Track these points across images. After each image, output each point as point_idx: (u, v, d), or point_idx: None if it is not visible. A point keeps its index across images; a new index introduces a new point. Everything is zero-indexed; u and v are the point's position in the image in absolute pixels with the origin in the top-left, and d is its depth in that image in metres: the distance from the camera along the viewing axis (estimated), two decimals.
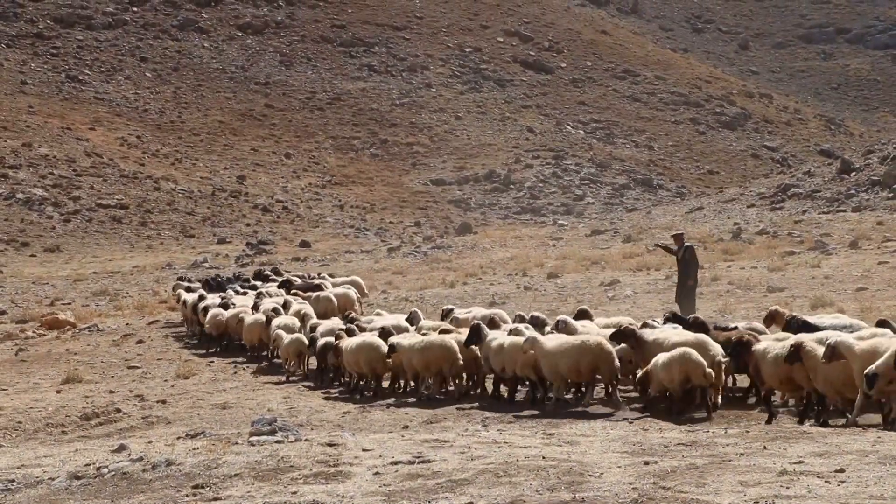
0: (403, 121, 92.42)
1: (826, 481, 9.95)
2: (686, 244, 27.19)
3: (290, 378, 22.57)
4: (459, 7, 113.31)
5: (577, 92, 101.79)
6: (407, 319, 22.99)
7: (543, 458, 11.57)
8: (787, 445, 11.90)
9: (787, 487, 9.79)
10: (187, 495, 10.83)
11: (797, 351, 15.15)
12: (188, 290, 31.69)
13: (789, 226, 48.12)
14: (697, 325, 18.10)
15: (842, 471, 10.30)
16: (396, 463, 11.49)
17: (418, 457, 11.76)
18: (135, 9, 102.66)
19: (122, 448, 13.88)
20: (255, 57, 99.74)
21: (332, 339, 21.44)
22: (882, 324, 17.09)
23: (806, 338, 15.63)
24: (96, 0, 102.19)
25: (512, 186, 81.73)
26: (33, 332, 31.82)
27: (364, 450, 12.37)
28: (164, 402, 20.13)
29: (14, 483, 12.13)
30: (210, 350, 27.40)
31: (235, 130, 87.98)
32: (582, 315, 20.71)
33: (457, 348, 19.21)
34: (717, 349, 16.49)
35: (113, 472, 12.07)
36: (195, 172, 78.68)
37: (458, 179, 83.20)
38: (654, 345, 17.29)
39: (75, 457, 13.85)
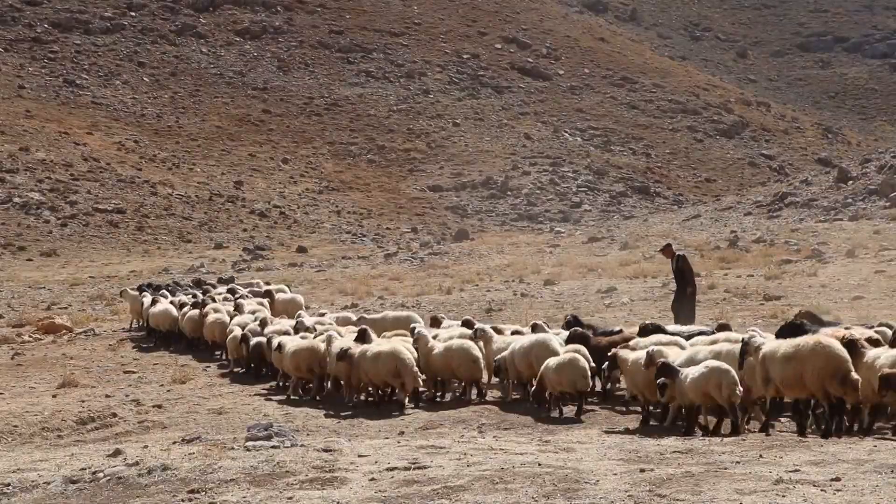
0: (401, 127, 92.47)
1: (822, 490, 9.95)
2: (678, 253, 27.10)
3: (284, 384, 22.54)
4: (457, 13, 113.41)
5: (575, 99, 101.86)
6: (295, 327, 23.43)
7: (539, 464, 11.57)
8: (783, 454, 11.91)
9: (783, 496, 9.79)
10: (183, 500, 10.83)
11: (614, 358, 16.71)
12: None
13: (786, 234, 48.17)
14: (580, 337, 18.75)
15: (838, 479, 10.30)
16: (392, 469, 11.50)
17: (414, 463, 11.77)
18: (133, 13, 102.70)
19: (117, 452, 13.88)
20: (252, 62, 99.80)
21: (263, 338, 22.71)
22: (722, 328, 18.77)
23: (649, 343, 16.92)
24: (94, 5, 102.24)
25: (509, 193, 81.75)
26: (29, 336, 31.77)
27: (360, 456, 12.37)
28: (160, 406, 20.11)
29: (10, 487, 12.12)
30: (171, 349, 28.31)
31: (233, 135, 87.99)
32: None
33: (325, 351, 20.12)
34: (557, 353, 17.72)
35: (108, 477, 12.06)
36: (192, 177, 78.67)
37: (455, 186, 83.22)
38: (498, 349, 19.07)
39: (71, 461, 13.84)
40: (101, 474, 12.22)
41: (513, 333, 20.54)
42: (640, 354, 16.27)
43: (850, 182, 57.62)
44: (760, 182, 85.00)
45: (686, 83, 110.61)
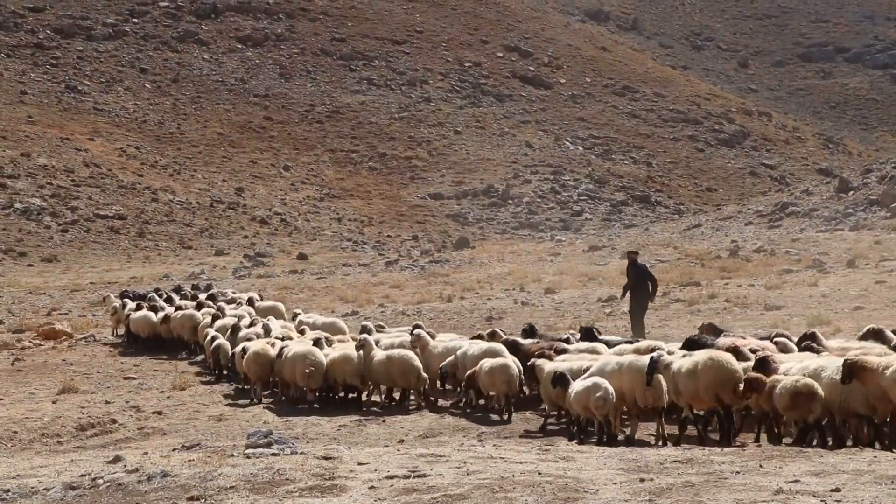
0: (402, 135, 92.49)
1: (822, 501, 9.95)
2: (638, 264, 27.83)
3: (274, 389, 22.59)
4: (459, 22, 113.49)
5: (576, 108, 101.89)
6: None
7: (539, 473, 11.57)
8: (782, 464, 11.90)
9: None
10: None
11: (532, 367, 17.74)
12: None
13: (787, 244, 48.16)
14: (510, 343, 19.94)
15: (837, 490, 10.30)
16: (392, 477, 11.49)
17: (414, 471, 11.76)
18: (135, 20, 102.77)
19: (117, 459, 13.87)
20: (254, 69, 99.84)
21: (224, 342, 23.85)
22: (586, 333, 20.42)
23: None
24: (97, 11, 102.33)
25: (510, 201, 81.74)
26: (30, 341, 31.79)
27: (360, 463, 12.37)
28: (159, 413, 20.12)
29: (9, 493, 12.12)
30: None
31: (234, 142, 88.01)
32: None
33: (272, 356, 21.13)
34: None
35: (108, 483, 12.06)
36: (193, 184, 78.70)
37: (456, 194, 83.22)
38: (438, 354, 20.23)
39: (71, 467, 13.84)
40: (100, 481, 12.21)
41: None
42: (556, 365, 17.18)
43: (851, 192, 57.64)
44: (761, 192, 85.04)
45: (687, 92, 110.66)
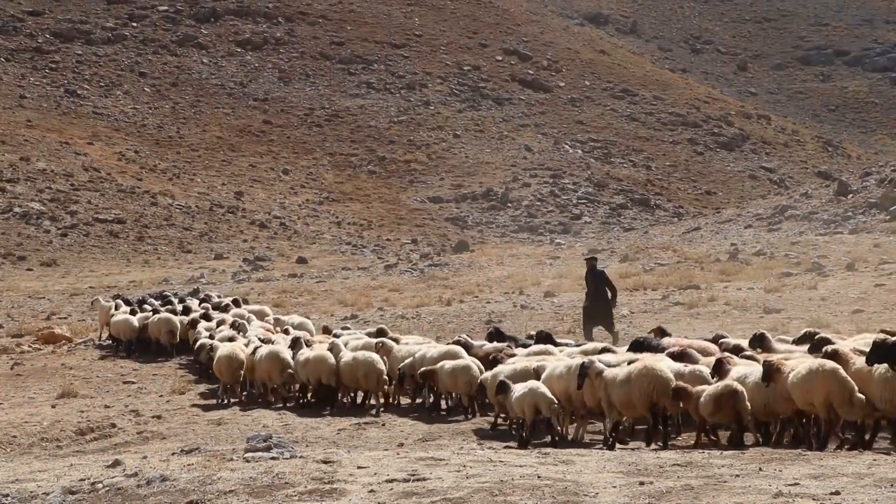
0: (401, 138, 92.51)
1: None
2: (595, 268, 28.44)
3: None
4: (458, 25, 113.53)
5: (576, 111, 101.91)
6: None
7: (539, 477, 11.56)
8: (782, 467, 11.89)
9: None
10: None
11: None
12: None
13: (786, 247, 48.13)
14: (462, 344, 20.71)
15: (837, 493, 10.29)
16: (391, 481, 11.48)
17: (413, 475, 11.75)
18: (134, 24, 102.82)
19: (116, 463, 13.87)
20: (253, 73, 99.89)
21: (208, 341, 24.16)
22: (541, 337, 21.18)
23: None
24: (96, 15, 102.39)
25: (509, 205, 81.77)
26: (29, 346, 31.75)
27: (359, 467, 12.36)
28: (159, 417, 20.12)
29: (8, 498, 12.11)
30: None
31: (233, 146, 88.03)
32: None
33: (243, 358, 21.68)
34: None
35: (107, 488, 12.05)
36: (193, 188, 78.71)
37: (455, 197, 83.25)
38: (401, 358, 20.55)
39: (70, 471, 13.84)
40: (100, 485, 12.20)
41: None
42: (500, 369, 17.63)
43: (851, 195, 57.63)
44: (760, 195, 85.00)
45: (686, 96, 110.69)
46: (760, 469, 11.79)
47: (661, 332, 20.60)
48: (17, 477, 13.64)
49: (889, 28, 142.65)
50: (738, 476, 11.39)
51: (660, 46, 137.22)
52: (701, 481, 11.12)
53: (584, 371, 15.66)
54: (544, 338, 20.89)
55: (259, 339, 22.89)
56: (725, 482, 11.07)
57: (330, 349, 20.79)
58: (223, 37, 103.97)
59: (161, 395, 22.99)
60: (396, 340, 21.86)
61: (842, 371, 13.80)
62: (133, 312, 30.36)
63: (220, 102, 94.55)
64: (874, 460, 12.42)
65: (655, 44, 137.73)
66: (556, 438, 16.12)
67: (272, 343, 22.43)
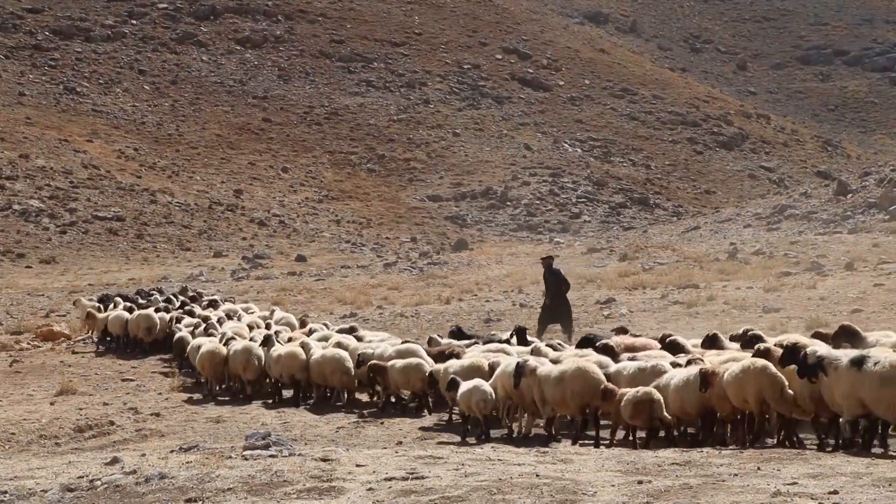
0: (401, 136, 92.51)
1: (820, 503, 9.94)
2: (551, 267, 28.97)
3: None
4: (458, 24, 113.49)
5: (575, 110, 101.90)
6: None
7: (537, 475, 11.56)
8: (780, 466, 11.90)
9: None
10: None
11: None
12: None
13: (785, 246, 48.15)
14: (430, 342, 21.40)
15: (835, 492, 10.29)
16: (390, 479, 11.48)
17: (412, 473, 11.75)
18: (134, 21, 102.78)
19: (115, 461, 13.85)
20: (253, 71, 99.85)
21: (187, 335, 25.22)
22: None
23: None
24: (95, 12, 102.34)
25: (509, 203, 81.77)
26: (28, 343, 31.78)
27: (358, 465, 12.36)
28: (157, 415, 20.12)
29: (6, 495, 12.10)
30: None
31: (233, 144, 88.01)
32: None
33: (224, 354, 22.33)
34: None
35: (106, 485, 12.04)
36: (192, 185, 78.69)
37: (454, 196, 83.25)
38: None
39: (68, 469, 13.82)
40: (98, 482, 12.20)
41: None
42: (451, 363, 18.25)
43: (850, 195, 57.64)
44: (760, 194, 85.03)
45: (686, 95, 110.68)
46: (759, 468, 11.79)
47: (622, 332, 21.09)
48: (16, 474, 13.63)
49: (889, 28, 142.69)
50: (736, 475, 11.40)
51: (659, 45, 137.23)
52: (699, 480, 11.13)
53: (520, 371, 16.23)
54: (520, 333, 21.09)
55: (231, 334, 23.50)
56: (724, 481, 11.07)
57: (302, 346, 21.29)
58: (223, 34, 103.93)
59: (160, 393, 23.01)
60: (360, 339, 22.33)
61: (772, 367, 14.16)
62: (130, 310, 30.46)
63: (220, 100, 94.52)
64: (872, 460, 12.43)
65: (655, 43, 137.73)
66: (511, 434, 17.07)
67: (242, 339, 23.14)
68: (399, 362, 19.35)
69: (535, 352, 18.15)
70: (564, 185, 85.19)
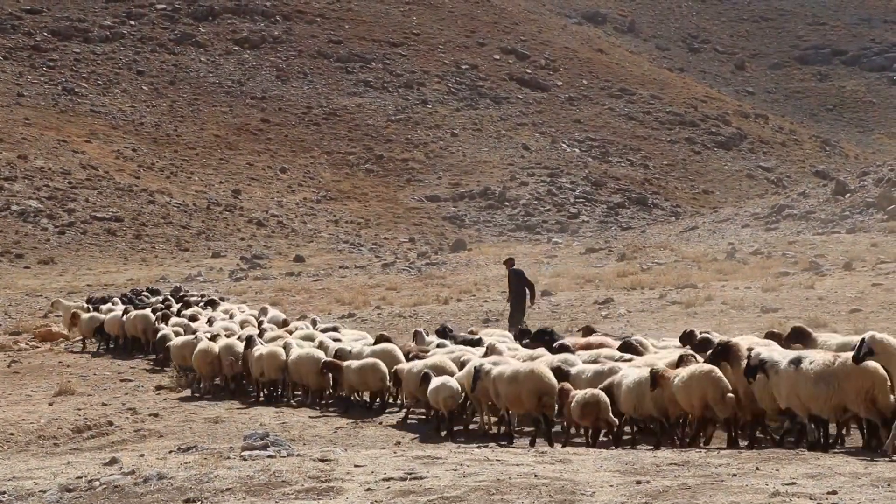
0: (399, 137, 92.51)
1: (819, 503, 9.94)
2: (513, 268, 29.60)
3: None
4: (456, 24, 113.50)
5: (573, 110, 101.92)
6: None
7: (535, 476, 11.55)
8: (779, 467, 11.89)
9: None
10: None
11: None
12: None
13: (783, 246, 48.14)
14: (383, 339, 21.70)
15: (834, 493, 10.28)
16: (388, 479, 11.47)
17: (410, 473, 11.74)
18: (132, 22, 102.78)
19: (113, 461, 13.84)
20: (251, 71, 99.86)
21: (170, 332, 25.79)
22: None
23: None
24: (94, 13, 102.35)
25: (507, 204, 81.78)
26: (26, 343, 31.80)
27: (356, 466, 12.35)
28: (156, 415, 20.12)
29: (5, 495, 12.09)
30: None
31: (231, 144, 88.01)
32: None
33: (216, 352, 22.58)
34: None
35: (104, 486, 12.03)
36: (190, 186, 78.69)
37: (452, 196, 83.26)
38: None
39: (67, 469, 13.81)
40: (97, 483, 12.19)
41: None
42: (413, 364, 18.70)
43: (848, 195, 57.65)
44: (758, 194, 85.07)
45: (684, 95, 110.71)
46: (758, 468, 11.79)
47: (589, 331, 21.67)
48: (14, 474, 13.62)
49: (887, 27, 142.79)
50: (735, 475, 11.39)
51: (657, 45, 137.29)
52: (698, 480, 11.12)
53: (478, 373, 16.80)
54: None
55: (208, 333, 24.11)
56: (722, 481, 11.06)
57: (285, 346, 21.60)
58: (221, 35, 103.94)
59: (158, 393, 23.00)
60: (338, 339, 22.65)
61: (717, 372, 14.67)
62: (126, 311, 30.66)
63: (218, 101, 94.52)
64: (871, 460, 12.43)
65: (653, 43, 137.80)
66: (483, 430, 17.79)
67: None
68: (355, 362, 19.80)
69: (491, 350, 18.54)
70: (562, 185, 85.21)
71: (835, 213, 55.53)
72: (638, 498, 10.39)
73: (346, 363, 19.94)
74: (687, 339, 18.23)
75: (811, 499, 10.09)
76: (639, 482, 11.11)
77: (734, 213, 64.64)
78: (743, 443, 15.09)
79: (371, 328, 31.24)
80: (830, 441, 14.45)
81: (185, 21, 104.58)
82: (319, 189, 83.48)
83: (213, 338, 23.26)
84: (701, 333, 18.07)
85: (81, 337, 31.90)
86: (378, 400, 20.39)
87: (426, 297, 40.59)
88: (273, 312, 28.77)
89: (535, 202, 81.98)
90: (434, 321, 32.82)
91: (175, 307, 31.17)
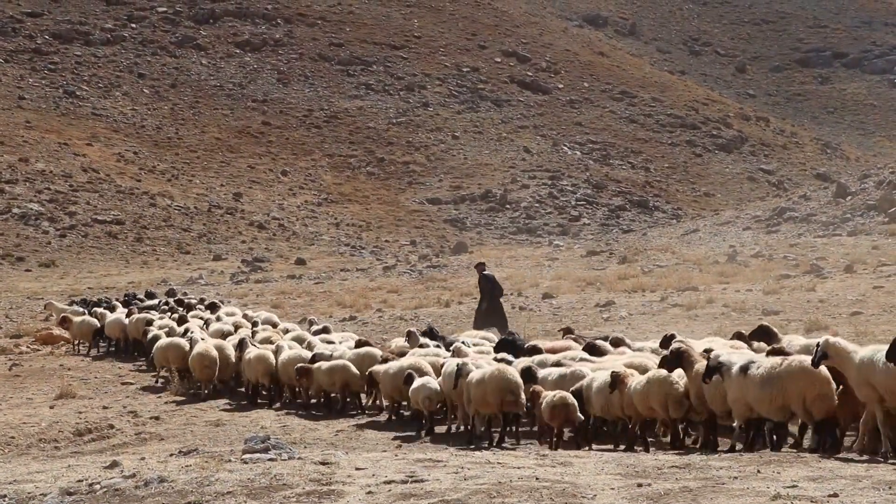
0: (400, 139, 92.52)
1: None
2: (484, 273, 29.87)
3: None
4: (457, 27, 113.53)
5: (574, 113, 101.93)
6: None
7: (537, 478, 11.55)
8: (780, 469, 11.89)
9: None
10: None
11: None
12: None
13: (785, 249, 48.11)
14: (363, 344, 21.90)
15: (835, 495, 10.27)
16: (389, 482, 11.47)
17: (411, 476, 11.74)
18: (133, 25, 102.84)
19: (114, 464, 13.85)
20: (252, 74, 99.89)
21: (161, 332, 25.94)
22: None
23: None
24: (95, 16, 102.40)
25: (508, 206, 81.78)
26: (27, 347, 31.79)
27: (357, 469, 12.34)
28: (157, 418, 20.13)
29: (6, 499, 12.10)
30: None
31: (232, 147, 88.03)
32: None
33: (214, 356, 22.69)
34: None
35: (105, 489, 12.03)
36: (191, 189, 78.71)
37: (454, 199, 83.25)
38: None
39: (68, 473, 13.82)
40: (97, 486, 12.19)
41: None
42: (391, 365, 18.94)
43: (849, 197, 57.62)
44: (759, 197, 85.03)
45: (685, 98, 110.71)
46: (759, 471, 11.78)
47: (568, 331, 22.02)
48: (15, 478, 13.63)
49: (888, 30, 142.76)
50: (736, 478, 11.38)
51: (658, 48, 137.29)
52: (699, 483, 11.12)
53: (459, 374, 17.07)
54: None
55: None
56: (724, 484, 11.06)
57: (275, 350, 21.79)
58: (222, 38, 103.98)
59: (159, 397, 23.01)
60: (331, 342, 22.87)
61: (671, 377, 15.24)
62: (129, 314, 30.74)
63: (219, 104, 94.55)
64: (872, 463, 12.42)
65: (654, 45, 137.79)
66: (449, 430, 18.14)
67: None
68: (325, 364, 20.10)
69: (457, 352, 18.85)
70: (564, 187, 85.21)
71: (836, 215, 55.50)
72: (639, 501, 10.38)
73: (316, 364, 20.21)
74: (666, 343, 18.38)
75: (812, 501, 10.09)
76: (640, 485, 11.10)
77: (735, 215, 64.61)
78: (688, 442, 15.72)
79: (372, 331, 31.29)
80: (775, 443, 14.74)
81: (187, 24, 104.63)
82: (320, 192, 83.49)
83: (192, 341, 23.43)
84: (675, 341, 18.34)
85: (73, 340, 31.88)
86: (348, 401, 20.57)
87: (427, 299, 40.59)
88: (265, 315, 28.84)
89: (537, 205, 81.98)
90: (435, 324, 32.80)
91: (180, 311, 31.18)
